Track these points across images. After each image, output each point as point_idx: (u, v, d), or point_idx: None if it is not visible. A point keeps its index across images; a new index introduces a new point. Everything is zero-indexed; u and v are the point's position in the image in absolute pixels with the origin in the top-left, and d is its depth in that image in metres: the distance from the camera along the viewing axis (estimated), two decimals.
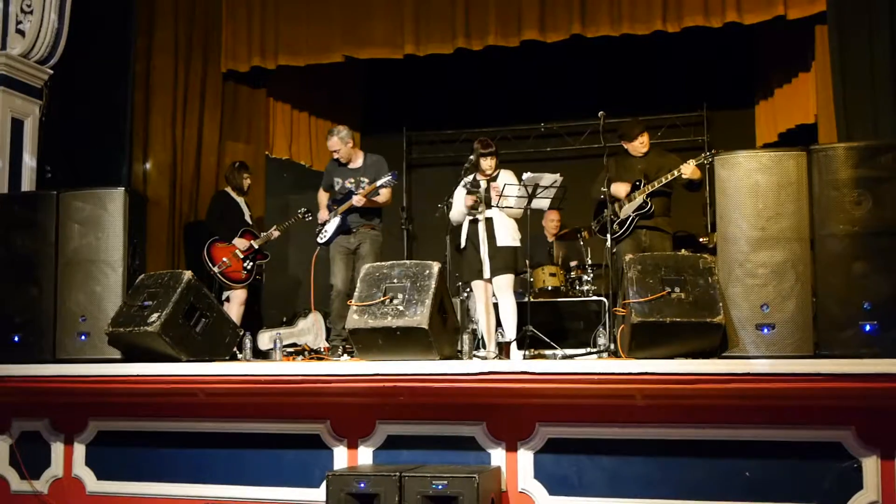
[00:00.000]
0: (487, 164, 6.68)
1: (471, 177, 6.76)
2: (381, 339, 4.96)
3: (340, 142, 7.31)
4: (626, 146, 7.06)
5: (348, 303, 5.39)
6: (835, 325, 4.60)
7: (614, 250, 6.54)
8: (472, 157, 6.68)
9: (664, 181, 6.70)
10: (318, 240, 7.40)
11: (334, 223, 7.29)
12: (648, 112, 9.55)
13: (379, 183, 7.13)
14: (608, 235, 6.57)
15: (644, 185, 6.81)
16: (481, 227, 6.54)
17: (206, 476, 5.40)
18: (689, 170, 6.59)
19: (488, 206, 6.54)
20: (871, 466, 4.49)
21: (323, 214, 7.44)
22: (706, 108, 9.92)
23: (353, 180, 7.30)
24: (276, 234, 7.95)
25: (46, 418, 5.72)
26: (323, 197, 7.56)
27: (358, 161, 7.41)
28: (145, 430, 5.54)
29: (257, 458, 5.35)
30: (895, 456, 4.47)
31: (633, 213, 6.83)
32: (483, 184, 6.62)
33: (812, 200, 4.73)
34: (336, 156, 7.37)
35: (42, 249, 5.74)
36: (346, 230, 7.28)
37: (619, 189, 6.91)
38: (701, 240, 8.23)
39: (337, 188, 7.39)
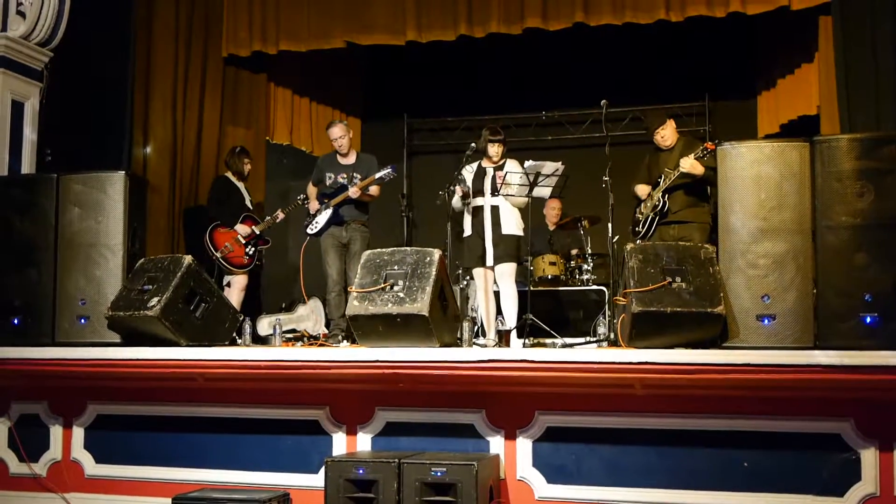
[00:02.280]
0: (495, 150, 6.66)
1: (474, 164, 6.75)
2: (382, 326, 4.96)
3: (343, 129, 7.39)
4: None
5: (349, 289, 5.39)
6: (835, 316, 4.60)
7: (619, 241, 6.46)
8: (474, 144, 6.64)
9: (671, 178, 6.43)
10: (308, 230, 7.43)
11: (326, 214, 7.33)
12: (650, 102, 9.54)
13: (378, 175, 7.17)
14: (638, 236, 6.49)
15: (662, 182, 6.53)
16: (486, 214, 6.54)
17: (204, 460, 5.42)
18: (687, 164, 6.31)
19: (493, 193, 6.53)
20: (869, 458, 4.50)
21: (314, 206, 7.47)
22: (708, 99, 9.89)
23: (345, 175, 7.35)
24: (282, 215, 7.93)
25: (45, 401, 5.73)
26: (312, 191, 7.60)
27: (352, 157, 7.48)
28: (144, 415, 5.55)
29: (256, 443, 5.36)
30: (894, 448, 4.49)
31: (651, 213, 6.56)
32: (485, 173, 6.61)
33: (814, 192, 4.72)
34: (337, 145, 7.40)
35: (42, 232, 5.73)
36: (339, 221, 7.33)
37: (641, 190, 6.76)
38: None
39: (329, 182, 7.41)
